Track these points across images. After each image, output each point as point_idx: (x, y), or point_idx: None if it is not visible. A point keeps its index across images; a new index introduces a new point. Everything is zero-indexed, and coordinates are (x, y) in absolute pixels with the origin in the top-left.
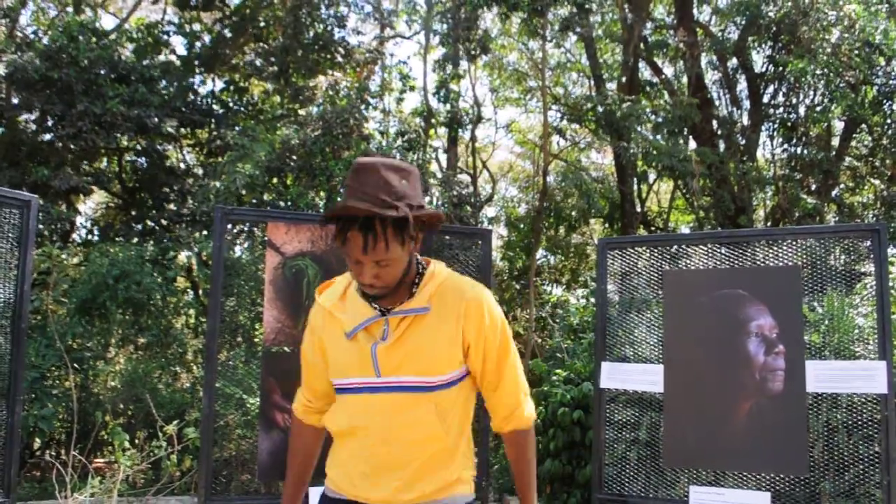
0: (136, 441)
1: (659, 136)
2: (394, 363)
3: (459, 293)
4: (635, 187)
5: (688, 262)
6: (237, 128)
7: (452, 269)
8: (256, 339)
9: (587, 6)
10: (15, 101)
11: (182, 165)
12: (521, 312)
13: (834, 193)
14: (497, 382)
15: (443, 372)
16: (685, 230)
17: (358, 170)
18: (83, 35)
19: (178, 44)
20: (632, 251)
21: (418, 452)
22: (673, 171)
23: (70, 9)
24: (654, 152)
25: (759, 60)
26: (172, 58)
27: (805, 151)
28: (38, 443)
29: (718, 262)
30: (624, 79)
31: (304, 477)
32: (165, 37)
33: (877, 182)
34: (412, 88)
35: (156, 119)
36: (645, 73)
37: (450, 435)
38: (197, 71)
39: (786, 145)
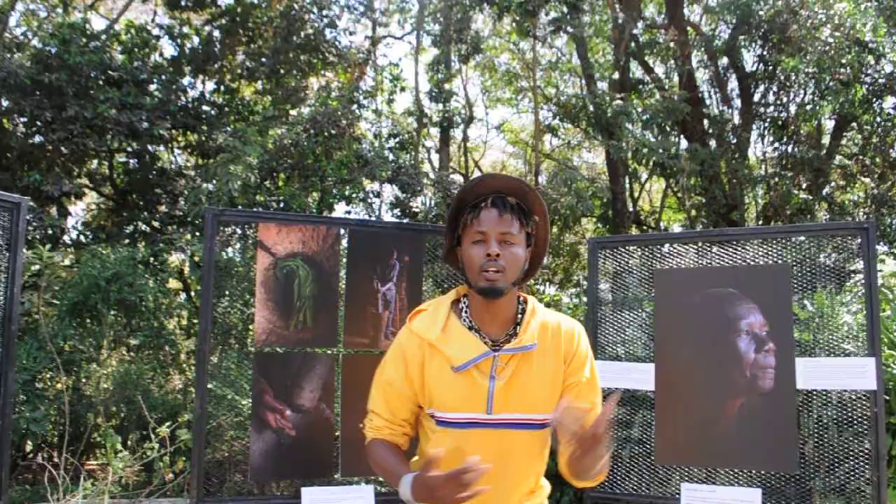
0: (129, 443)
1: (648, 133)
2: (506, 401)
3: (559, 329)
4: (627, 186)
5: (679, 260)
6: (228, 129)
7: (445, 269)
8: (249, 341)
9: (578, 5)
10: (4, 104)
11: (173, 167)
12: None
13: (825, 191)
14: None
15: (549, 410)
16: (677, 229)
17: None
18: (74, 37)
19: (168, 45)
20: (623, 250)
21: (522, 486)
22: (664, 169)
23: (59, 10)
24: (644, 149)
25: (749, 59)
26: (161, 60)
27: (796, 150)
28: (29, 445)
29: (709, 261)
30: (616, 75)
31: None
32: (155, 40)
33: (867, 180)
34: (403, 89)
35: (146, 123)
36: (636, 72)
37: (544, 465)
38: (187, 73)
39: (776, 144)
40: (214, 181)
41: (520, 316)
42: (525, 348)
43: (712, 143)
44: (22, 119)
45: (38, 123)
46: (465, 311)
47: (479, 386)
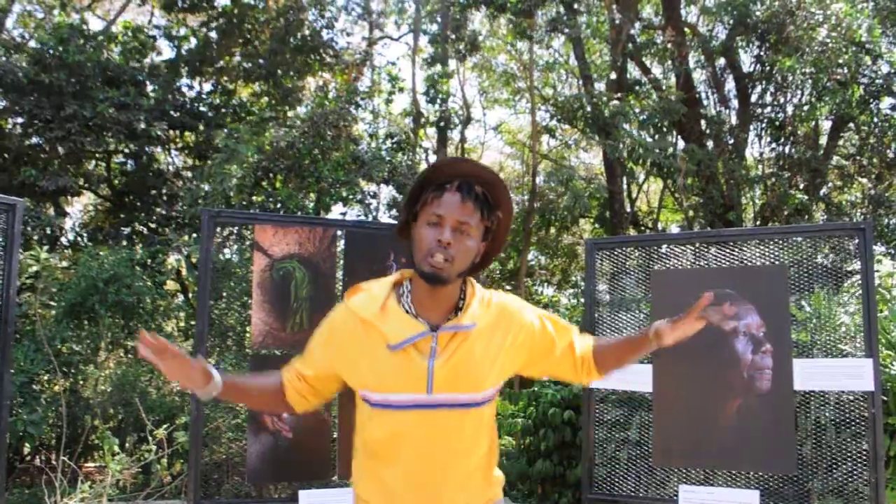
0: (126, 445)
1: (645, 134)
2: (445, 380)
3: (503, 307)
4: (624, 187)
5: (676, 261)
6: (225, 130)
7: None
8: (246, 342)
9: (575, 6)
10: (2, 104)
11: (171, 168)
12: None
13: (822, 192)
14: (570, 346)
15: (488, 388)
16: (675, 229)
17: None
18: (72, 37)
19: (165, 47)
20: (620, 251)
21: (462, 465)
22: (660, 169)
23: (57, 11)
24: (641, 149)
25: (746, 60)
26: (159, 60)
27: (793, 150)
28: (27, 448)
29: (707, 262)
30: (613, 76)
31: (247, 388)
32: (152, 40)
33: (864, 181)
34: (401, 90)
35: (143, 124)
36: (633, 73)
37: (487, 447)
38: (184, 74)
39: (774, 144)
40: (210, 181)
41: (461, 302)
42: (464, 327)
43: (709, 143)
44: (19, 119)
45: (36, 123)
46: (406, 296)
47: (417, 366)
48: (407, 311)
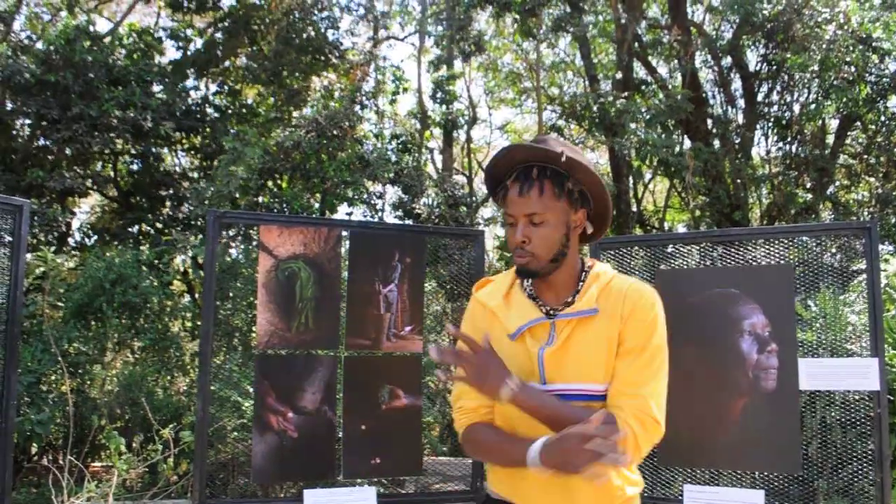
0: (133, 445)
1: (653, 133)
2: (560, 369)
3: (622, 293)
4: (631, 186)
5: (681, 261)
6: (232, 131)
7: (448, 270)
8: (252, 343)
9: (581, 5)
10: (9, 105)
11: (177, 169)
12: None
13: (829, 191)
14: (617, 390)
15: (605, 378)
16: (681, 229)
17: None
18: (79, 38)
19: (171, 48)
20: (626, 251)
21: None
22: (667, 167)
23: (64, 13)
24: (648, 147)
25: (753, 59)
26: (165, 61)
27: (800, 149)
28: (34, 447)
29: (712, 262)
30: (619, 75)
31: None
32: (158, 41)
33: (872, 179)
34: (406, 90)
35: (151, 123)
36: (640, 72)
37: None
38: (190, 75)
39: (780, 143)
40: (216, 182)
41: (581, 283)
42: (581, 313)
43: (716, 142)
44: (27, 121)
45: (44, 123)
46: (528, 280)
47: (531, 354)
48: (529, 296)
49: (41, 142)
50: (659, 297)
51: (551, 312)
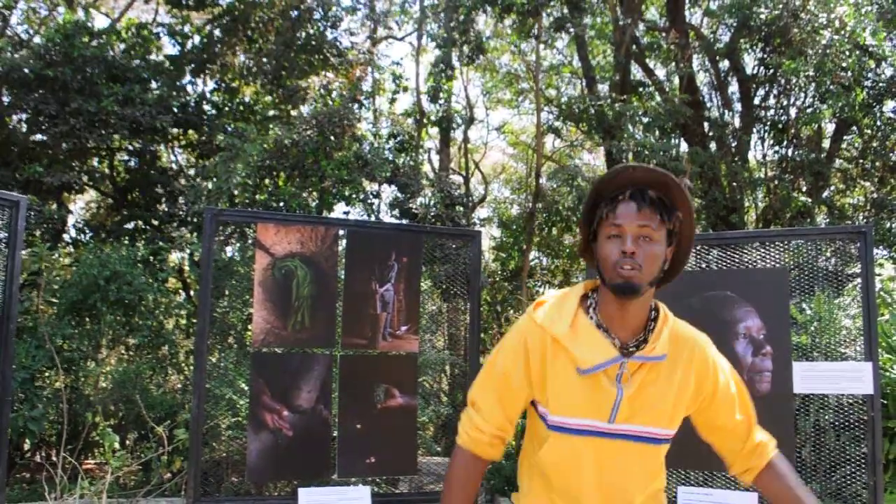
0: (127, 442)
1: (650, 136)
2: (632, 412)
3: (689, 340)
4: None
5: None
6: (229, 128)
7: (444, 269)
8: (248, 341)
9: (579, 5)
10: (6, 99)
11: (174, 166)
12: (514, 314)
13: (825, 195)
14: (749, 423)
15: (673, 425)
16: None
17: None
18: (78, 34)
19: (169, 44)
20: None
21: (632, 500)
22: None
23: (61, 8)
24: (646, 149)
25: (750, 62)
26: (163, 58)
27: (796, 153)
28: (28, 444)
29: (708, 264)
30: (617, 77)
31: None
32: (156, 38)
33: (867, 184)
34: (405, 89)
35: (149, 118)
36: (637, 74)
37: (658, 487)
38: (188, 71)
39: (777, 147)
40: (214, 179)
41: (652, 323)
42: (656, 358)
43: (712, 145)
44: (24, 115)
45: (41, 119)
46: (594, 308)
47: (605, 392)
48: (598, 326)
49: (38, 137)
50: (708, 339)
51: (624, 351)
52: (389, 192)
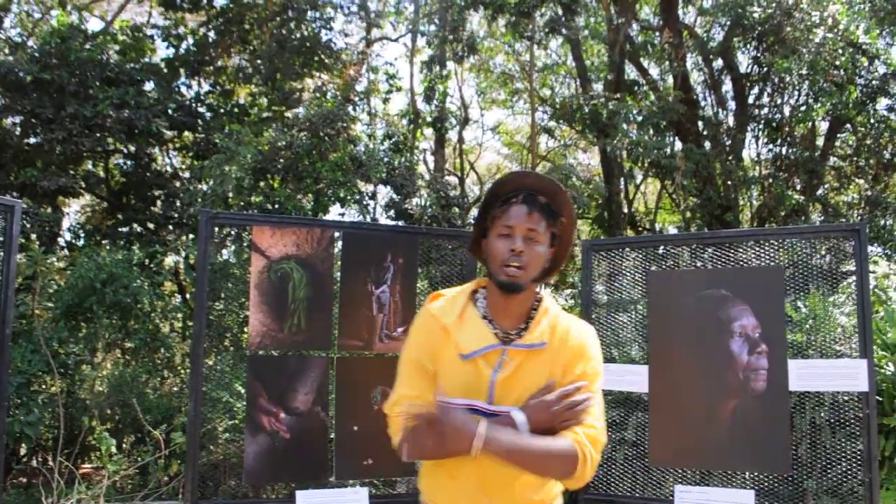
0: (124, 446)
1: (644, 134)
2: (507, 395)
3: (567, 330)
4: (622, 188)
5: (673, 263)
6: (224, 131)
7: (440, 271)
8: (244, 343)
9: (573, 7)
10: (1, 103)
11: (169, 169)
12: None
13: (819, 193)
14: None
15: None
16: (672, 230)
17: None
18: (74, 36)
19: (163, 47)
20: (617, 253)
21: (516, 483)
22: (659, 168)
23: (55, 12)
24: (640, 148)
25: (744, 61)
26: (158, 60)
27: (790, 151)
28: (24, 449)
29: (703, 263)
30: (611, 77)
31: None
32: (150, 40)
33: (861, 182)
34: (398, 89)
35: (144, 121)
36: (631, 73)
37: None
38: (182, 74)
39: (771, 145)
40: (209, 182)
41: (533, 313)
42: (535, 345)
43: (707, 144)
44: (19, 118)
45: (36, 122)
46: (482, 301)
47: (483, 376)
48: (484, 317)
49: (33, 140)
50: (594, 333)
51: (505, 338)
52: (385, 193)
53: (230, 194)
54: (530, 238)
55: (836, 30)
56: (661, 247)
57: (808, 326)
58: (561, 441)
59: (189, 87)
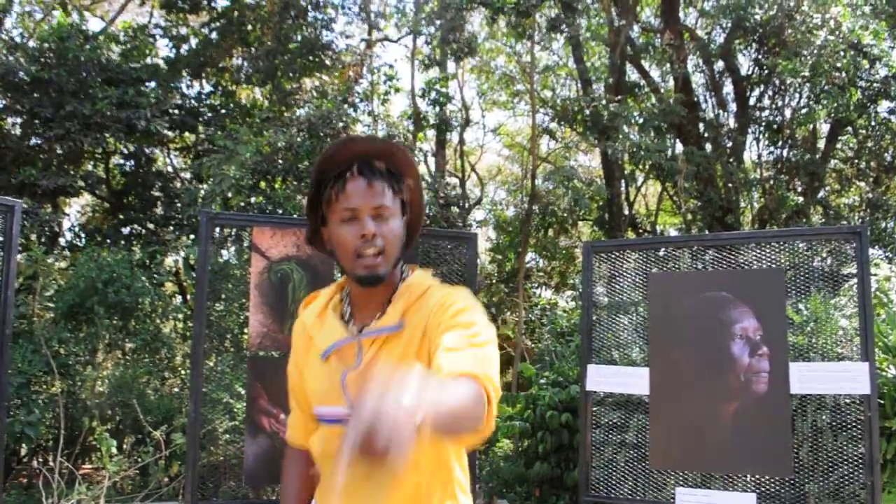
0: (124, 447)
1: (645, 136)
2: (358, 391)
3: (428, 299)
4: (623, 190)
5: (673, 264)
6: (225, 131)
7: (440, 271)
8: (244, 344)
9: (573, 6)
10: (1, 103)
11: (170, 169)
12: (511, 316)
13: (820, 195)
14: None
15: None
16: (673, 232)
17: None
18: (73, 36)
19: (165, 47)
20: (617, 254)
21: (393, 489)
22: (660, 171)
23: (56, 12)
24: (641, 150)
25: (745, 63)
26: (159, 61)
27: (791, 153)
28: (24, 449)
29: (704, 265)
30: (612, 79)
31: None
32: (152, 40)
33: (862, 184)
34: (397, 90)
35: (144, 121)
36: (632, 75)
37: (429, 475)
38: (184, 74)
39: (772, 147)
40: (209, 182)
41: (393, 294)
42: (385, 330)
43: (708, 146)
44: (19, 119)
45: (36, 122)
46: (346, 297)
47: (335, 377)
48: (342, 315)
49: (33, 141)
50: (459, 289)
51: (360, 330)
52: None
53: (229, 194)
54: (380, 216)
55: (837, 32)
56: (662, 249)
57: (809, 329)
58: (462, 382)
59: (190, 87)
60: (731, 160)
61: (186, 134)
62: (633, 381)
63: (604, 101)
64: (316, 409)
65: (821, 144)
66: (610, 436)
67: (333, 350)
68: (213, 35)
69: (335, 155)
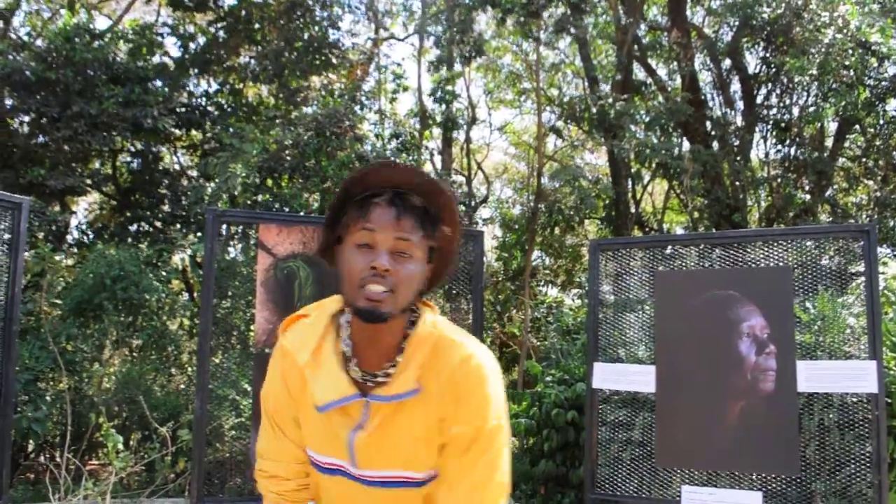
0: (131, 443)
1: (652, 135)
2: (374, 456)
3: (450, 367)
4: (630, 188)
5: (680, 262)
6: (231, 130)
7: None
8: (251, 341)
9: (581, 6)
10: (9, 102)
11: (177, 167)
12: (517, 314)
13: (827, 194)
14: (457, 477)
15: (433, 465)
16: (680, 231)
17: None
18: (79, 36)
19: (172, 45)
20: (624, 252)
21: None
22: (667, 169)
23: (64, 11)
24: (648, 149)
25: (752, 61)
26: (166, 59)
27: (798, 152)
28: (31, 445)
29: (711, 263)
30: (619, 77)
31: None
32: (160, 38)
33: (870, 183)
34: (405, 89)
35: (150, 119)
36: (639, 74)
37: None
38: (191, 73)
39: (779, 146)
40: (216, 180)
41: (404, 342)
42: (399, 397)
43: (715, 144)
44: (26, 118)
45: (43, 121)
46: (347, 327)
47: (340, 436)
48: (343, 354)
49: (41, 139)
50: (493, 363)
51: (367, 383)
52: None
53: (236, 192)
54: (400, 252)
55: (845, 30)
56: (669, 247)
57: (816, 327)
58: None
59: (197, 85)
60: (738, 158)
61: (193, 132)
62: (640, 378)
63: (610, 100)
64: (312, 454)
65: (828, 143)
66: (616, 433)
67: (336, 407)
68: (221, 33)
69: (369, 176)
